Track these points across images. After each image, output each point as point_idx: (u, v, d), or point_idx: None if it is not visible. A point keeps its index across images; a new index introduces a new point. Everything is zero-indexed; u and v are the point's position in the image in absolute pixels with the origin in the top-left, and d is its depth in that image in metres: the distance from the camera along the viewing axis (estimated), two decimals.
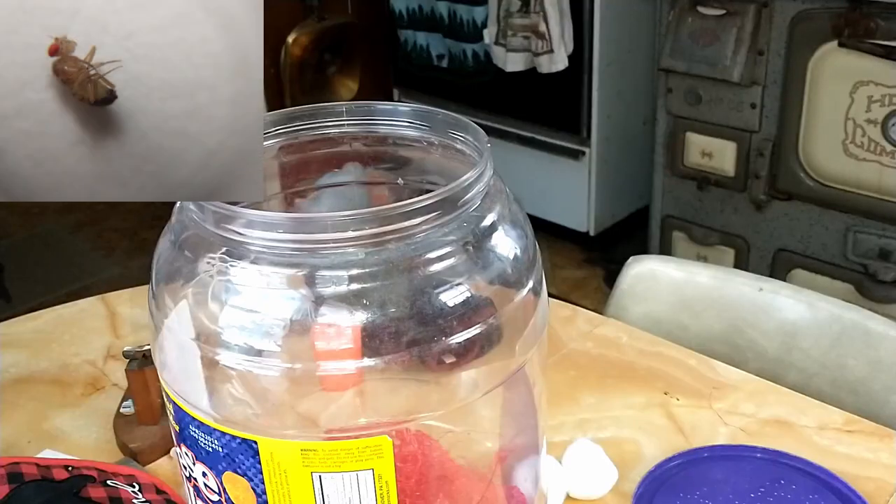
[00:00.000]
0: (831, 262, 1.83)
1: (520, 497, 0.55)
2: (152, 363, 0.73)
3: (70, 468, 0.62)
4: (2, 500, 0.57)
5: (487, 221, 0.47)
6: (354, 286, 0.43)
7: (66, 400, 0.79)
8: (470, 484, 0.53)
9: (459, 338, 0.45)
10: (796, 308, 0.86)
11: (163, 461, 0.71)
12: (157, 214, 3.08)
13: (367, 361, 0.43)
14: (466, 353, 0.45)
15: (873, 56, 1.63)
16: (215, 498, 0.47)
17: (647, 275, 0.93)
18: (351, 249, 0.42)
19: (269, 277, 0.43)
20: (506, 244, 0.48)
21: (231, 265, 0.44)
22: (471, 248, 0.45)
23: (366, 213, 0.42)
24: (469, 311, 0.45)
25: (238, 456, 0.45)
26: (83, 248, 2.93)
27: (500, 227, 0.48)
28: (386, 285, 0.44)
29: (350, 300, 0.43)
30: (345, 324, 0.43)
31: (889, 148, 1.67)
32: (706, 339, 0.89)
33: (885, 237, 1.74)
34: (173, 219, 0.49)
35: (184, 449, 0.48)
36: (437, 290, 0.44)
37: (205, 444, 0.46)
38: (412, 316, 0.44)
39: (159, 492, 0.64)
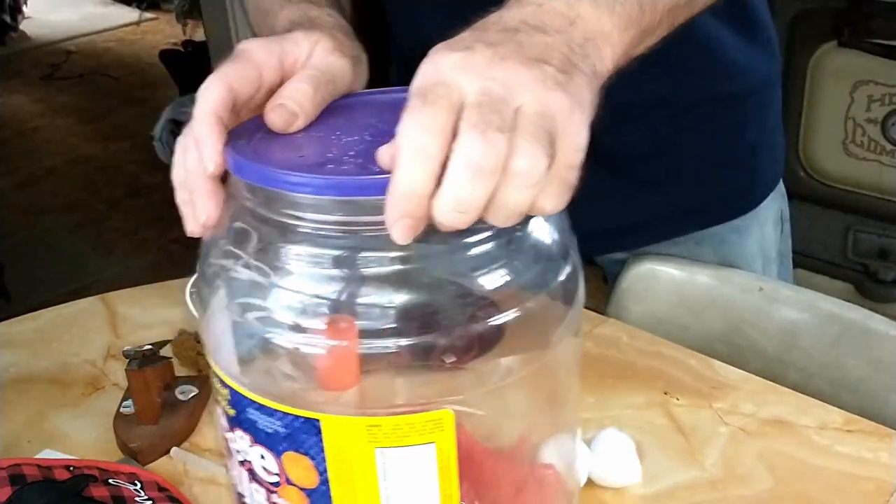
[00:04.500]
0: (831, 261, 1.83)
1: (552, 476, 0.55)
2: (152, 363, 0.73)
3: (71, 468, 0.62)
4: (5, 502, 0.57)
5: None
6: (396, 267, 0.44)
7: (66, 400, 0.79)
8: (498, 465, 0.53)
9: (498, 320, 0.45)
10: (796, 308, 0.86)
11: (163, 461, 0.71)
12: (157, 214, 3.08)
13: (405, 341, 0.44)
14: (504, 336, 0.46)
15: (873, 56, 1.63)
16: (273, 479, 0.48)
17: (647, 274, 0.93)
18: (382, 231, 0.43)
19: (317, 257, 0.44)
20: (544, 228, 0.48)
21: (280, 245, 0.45)
22: (510, 232, 0.45)
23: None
24: (508, 295, 0.45)
25: (301, 435, 0.45)
26: (83, 248, 2.94)
27: None
28: (427, 267, 0.45)
29: (392, 281, 0.44)
30: (386, 304, 0.44)
31: (889, 147, 1.67)
32: (706, 338, 0.89)
33: (885, 237, 1.74)
34: (225, 197, 0.49)
35: (238, 433, 0.48)
36: (476, 274, 0.45)
37: (264, 425, 0.46)
38: (451, 298, 0.45)
39: (161, 489, 0.64)
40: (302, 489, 0.47)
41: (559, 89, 0.43)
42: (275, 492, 0.48)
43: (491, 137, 0.40)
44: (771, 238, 0.93)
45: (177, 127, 3.15)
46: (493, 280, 0.45)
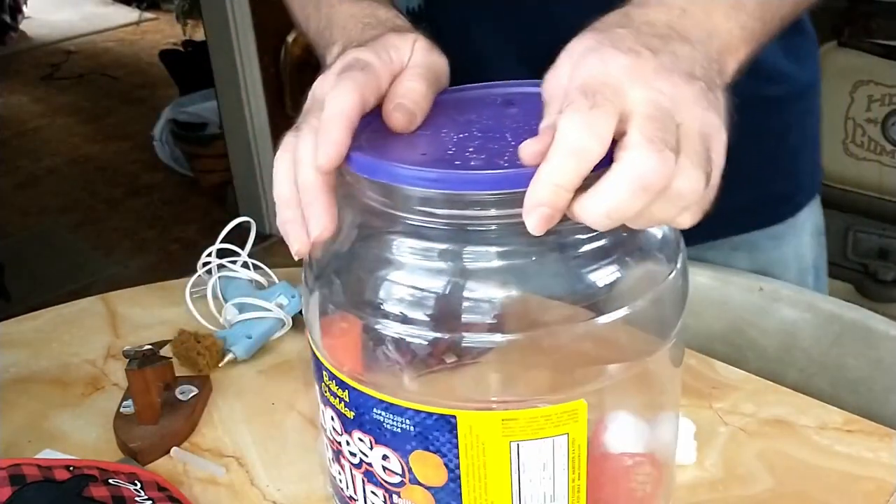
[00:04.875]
0: (831, 261, 1.82)
1: (650, 464, 0.56)
2: (152, 363, 0.73)
3: (71, 468, 0.62)
4: (5, 502, 0.57)
5: None
6: (502, 262, 0.44)
7: (66, 400, 0.79)
8: (601, 458, 0.54)
9: (607, 318, 0.45)
10: (796, 308, 0.86)
11: (163, 461, 0.71)
12: (157, 214, 3.08)
13: (510, 337, 0.45)
14: (611, 333, 0.46)
15: (873, 55, 1.63)
16: (396, 480, 0.47)
17: None
18: (501, 226, 0.43)
19: (427, 251, 0.45)
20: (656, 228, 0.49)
21: (392, 238, 0.46)
22: (620, 228, 0.45)
23: (516, 192, 0.42)
24: (617, 292, 0.46)
25: (433, 433, 0.45)
26: (83, 247, 2.94)
27: None
28: (534, 262, 0.45)
29: (499, 276, 0.45)
30: (494, 299, 0.45)
31: (889, 147, 1.67)
32: (706, 338, 0.89)
33: (885, 237, 1.74)
34: (338, 192, 0.50)
35: (357, 435, 0.48)
36: (585, 270, 0.45)
37: (391, 425, 0.46)
38: (559, 294, 0.45)
39: (161, 489, 0.64)
40: (428, 488, 0.47)
41: (712, 109, 0.43)
42: (397, 492, 0.48)
43: (666, 156, 0.40)
44: (808, 248, 0.92)
45: (177, 127, 3.15)
46: (602, 277, 0.45)
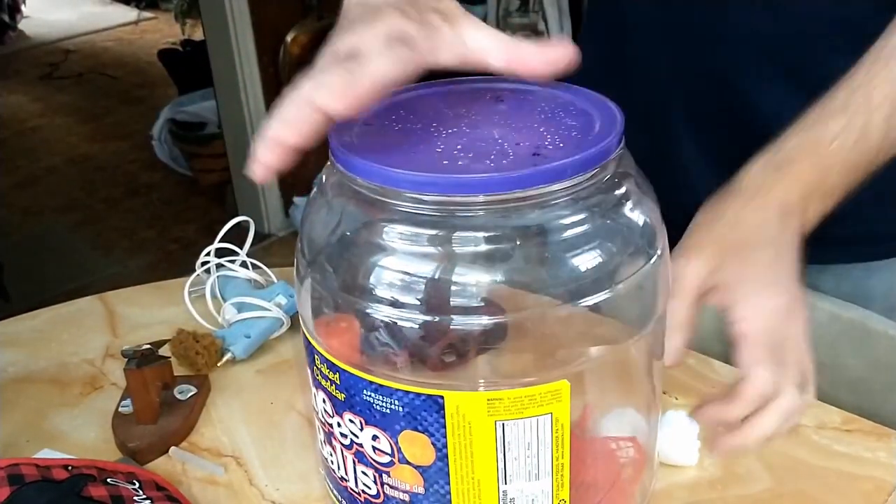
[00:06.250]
0: None
1: (633, 448, 0.57)
2: (151, 362, 0.73)
3: (70, 468, 0.62)
4: (3, 502, 0.57)
5: (620, 189, 0.49)
6: (489, 247, 0.45)
7: (64, 399, 0.79)
8: (583, 440, 0.55)
9: (589, 301, 0.46)
10: None
11: (161, 460, 0.71)
12: (156, 214, 3.08)
13: (502, 319, 0.46)
14: (592, 316, 0.47)
15: None
16: (386, 460, 0.49)
17: None
18: (489, 211, 0.44)
19: (416, 236, 0.46)
20: (636, 212, 0.50)
21: (383, 225, 0.47)
22: (603, 214, 0.47)
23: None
24: (599, 277, 0.47)
25: (421, 413, 0.46)
26: (83, 247, 2.93)
27: (631, 195, 0.49)
28: (519, 247, 0.46)
29: (486, 260, 0.46)
30: (482, 282, 0.46)
31: None
32: (705, 337, 0.88)
33: None
34: (324, 178, 0.50)
35: (348, 417, 0.49)
36: (568, 255, 0.46)
37: (381, 406, 0.47)
38: (543, 278, 0.47)
39: (160, 488, 0.64)
40: (416, 467, 0.48)
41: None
42: (387, 472, 0.49)
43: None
44: None
45: (175, 126, 3.15)
46: (584, 262, 0.46)
